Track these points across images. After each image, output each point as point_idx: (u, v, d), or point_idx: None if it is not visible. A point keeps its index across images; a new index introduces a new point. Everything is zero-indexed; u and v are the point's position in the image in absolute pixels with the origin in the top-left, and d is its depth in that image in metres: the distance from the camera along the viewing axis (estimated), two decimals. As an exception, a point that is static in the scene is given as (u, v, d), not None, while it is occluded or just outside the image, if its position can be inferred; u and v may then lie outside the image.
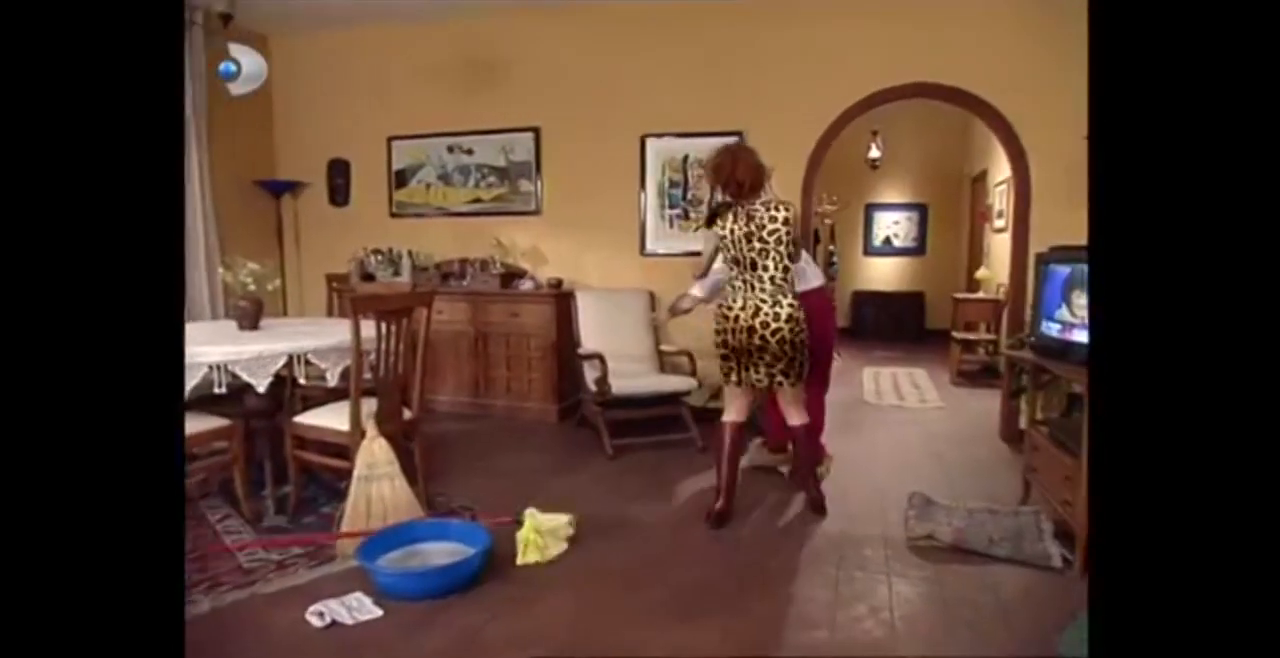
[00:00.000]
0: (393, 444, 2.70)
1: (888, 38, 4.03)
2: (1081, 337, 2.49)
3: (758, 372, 2.80)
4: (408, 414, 2.92)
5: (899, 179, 8.85)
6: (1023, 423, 4.01)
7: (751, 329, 2.75)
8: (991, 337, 5.88)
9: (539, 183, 4.79)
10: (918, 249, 9.07)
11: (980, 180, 7.19)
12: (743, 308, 2.76)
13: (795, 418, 2.89)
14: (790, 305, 2.73)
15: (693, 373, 4.06)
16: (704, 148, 4.34)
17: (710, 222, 2.78)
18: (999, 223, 6.16)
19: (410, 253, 5.00)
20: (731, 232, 2.77)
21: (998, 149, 6.39)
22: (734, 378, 2.83)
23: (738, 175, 2.74)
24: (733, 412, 2.87)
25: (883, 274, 9.18)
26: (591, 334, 4.19)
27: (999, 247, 6.21)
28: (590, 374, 4.07)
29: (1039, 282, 2.75)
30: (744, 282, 2.77)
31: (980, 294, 6.22)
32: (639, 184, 4.56)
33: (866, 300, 8.84)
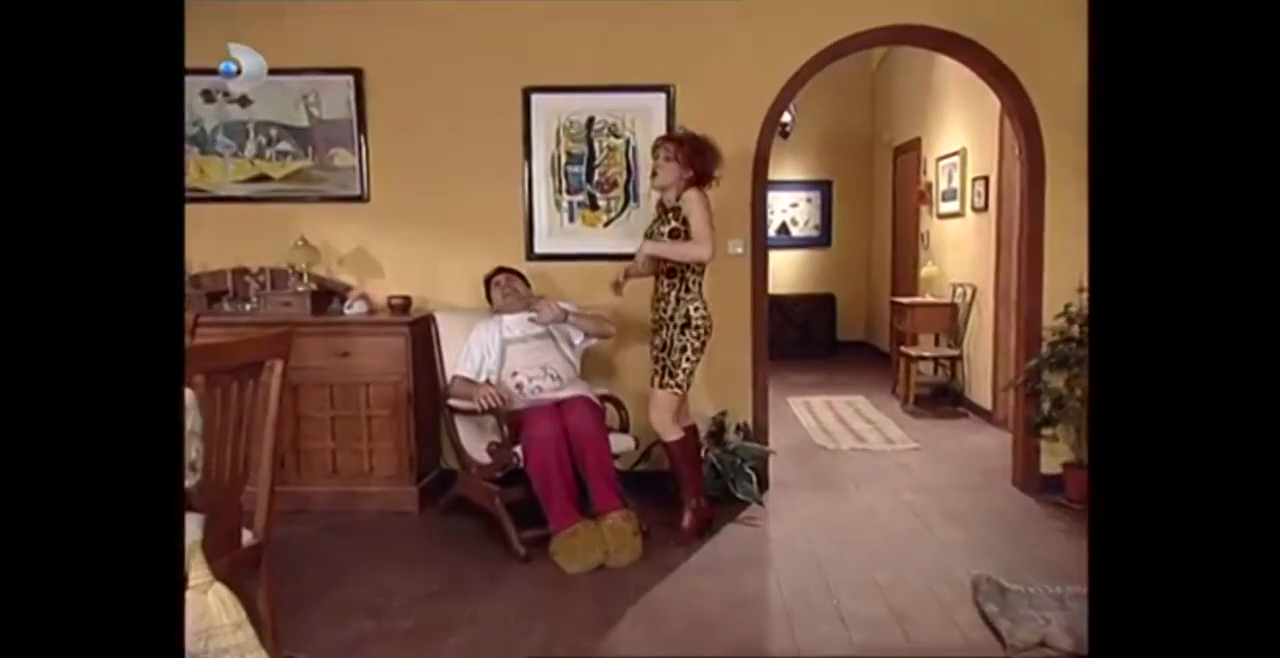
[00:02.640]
0: (234, 590, 2.18)
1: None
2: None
3: None
4: (249, 538, 2.40)
5: (797, 150, 9.16)
6: (1047, 465, 4.17)
7: None
8: (952, 352, 6.17)
9: (364, 153, 4.32)
10: (821, 239, 9.45)
11: (909, 151, 7.61)
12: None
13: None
14: None
15: (625, 427, 3.80)
16: (616, 109, 4.21)
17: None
18: (947, 206, 6.51)
19: (150, 261, 4.27)
20: None
21: (935, 114, 6.78)
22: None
23: None
24: (686, 418, 3.76)
25: (780, 272, 9.43)
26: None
27: (949, 236, 6.55)
28: (474, 436, 3.80)
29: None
30: (700, 284, 3.64)
31: (928, 297, 6.52)
32: (522, 158, 4.26)
33: (763, 307, 9.03)
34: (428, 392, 4.08)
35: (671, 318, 3.57)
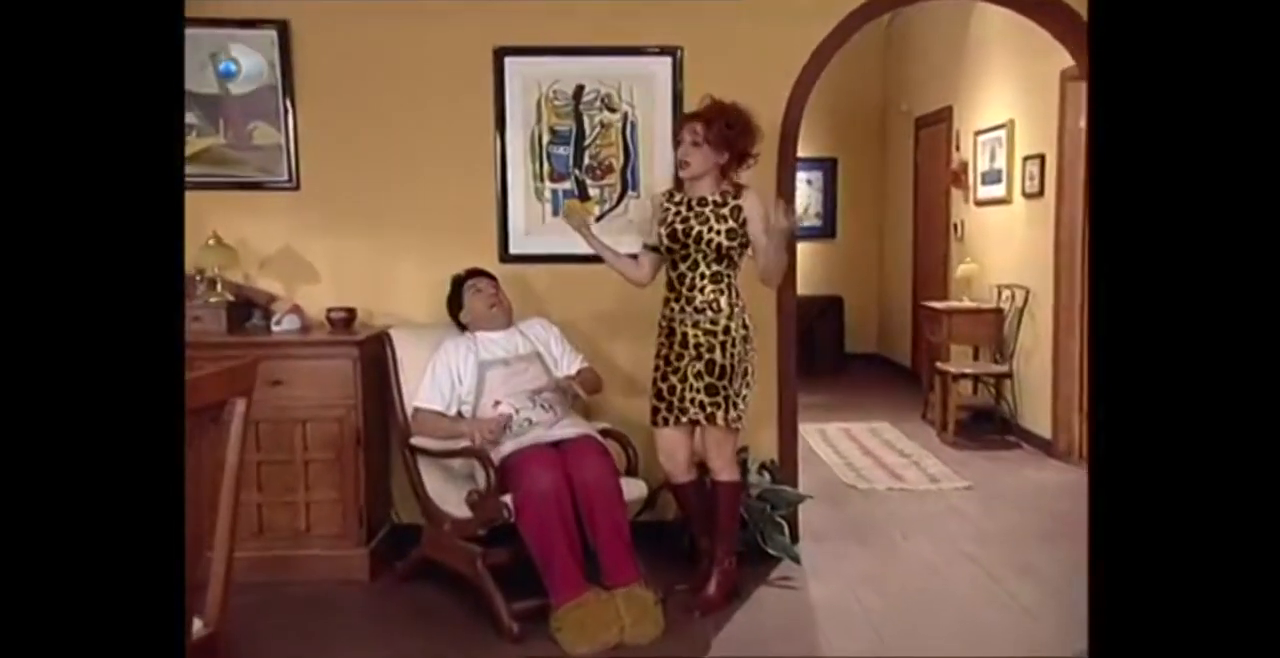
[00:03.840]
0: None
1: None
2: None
3: None
4: (200, 627, 2.35)
5: (794, 121, 9.25)
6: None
7: None
8: (999, 368, 6.26)
9: (292, 128, 4.26)
10: (824, 229, 9.55)
11: (935, 123, 7.75)
12: None
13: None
14: None
15: (633, 468, 3.79)
16: (611, 75, 4.26)
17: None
18: (990, 190, 6.63)
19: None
20: None
21: (973, 78, 6.90)
22: None
23: None
24: None
25: (776, 270, 9.54)
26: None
27: (992, 227, 6.66)
28: (444, 484, 3.78)
29: None
30: None
31: (965, 302, 6.61)
32: (494, 136, 4.24)
33: (757, 312, 9.12)
34: (379, 429, 4.04)
35: (727, 331, 3.54)
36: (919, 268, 8.31)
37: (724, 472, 3.66)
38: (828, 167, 9.45)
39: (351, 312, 4.13)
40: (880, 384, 8.38)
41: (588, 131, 4.24)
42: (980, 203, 6.82)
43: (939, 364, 6.43)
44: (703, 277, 3.55)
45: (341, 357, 3.94)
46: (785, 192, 4.28)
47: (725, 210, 3.53)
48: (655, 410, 3.65)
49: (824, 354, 9.09)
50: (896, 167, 9.02)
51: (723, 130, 3.52)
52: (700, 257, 3.53)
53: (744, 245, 3.57)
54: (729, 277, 3.58)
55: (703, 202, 3.57)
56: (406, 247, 4.28)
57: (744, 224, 3.53)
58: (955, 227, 7.33)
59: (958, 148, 7.22)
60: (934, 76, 7.74)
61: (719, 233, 3.50)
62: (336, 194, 4.27)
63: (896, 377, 8.59)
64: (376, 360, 3.98)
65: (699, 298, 3.54)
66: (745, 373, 3.59)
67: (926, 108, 7.96)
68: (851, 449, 6.11)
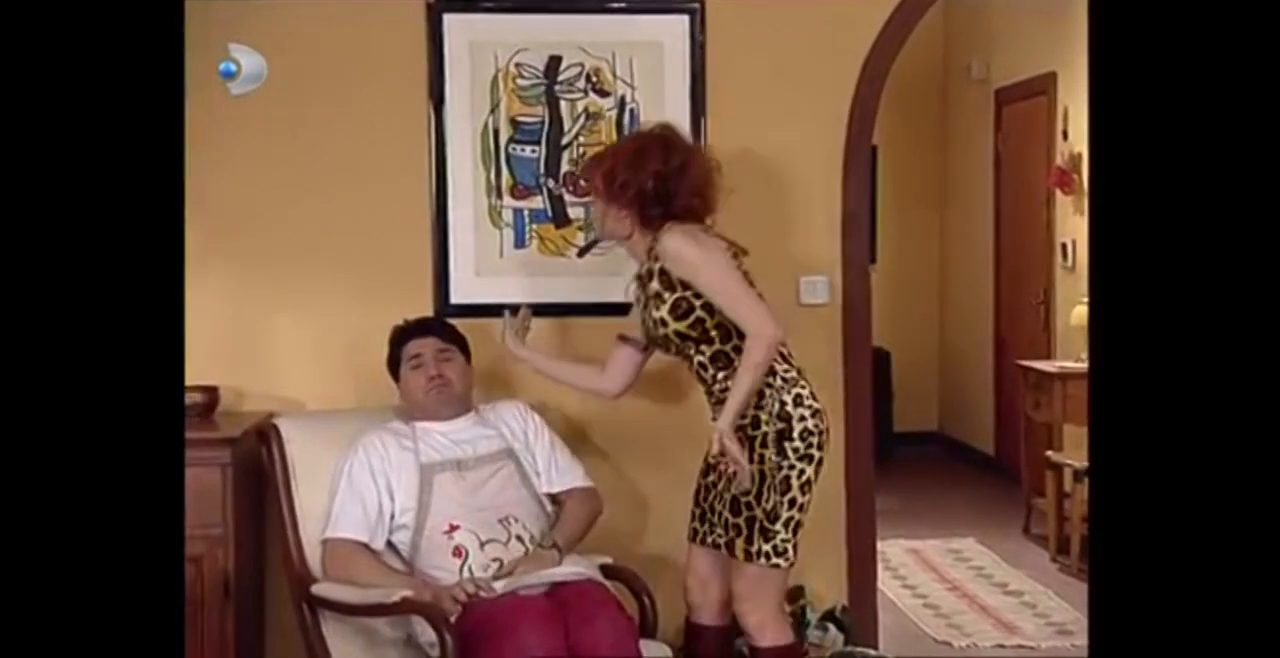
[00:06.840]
0: None
1: None
2: None
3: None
4: None
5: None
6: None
7: None
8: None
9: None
10: (859, 253, 9.65)
11: (1028, 97, 7.96)
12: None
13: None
14: None
15: (649, 625, 3.81)
16: (601, 43, 4.31)
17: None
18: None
19: None
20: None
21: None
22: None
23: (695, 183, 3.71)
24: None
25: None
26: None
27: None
28: (367, 655, 3.79)
29: None
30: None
31: (1085, 360, 6.69)
32: (428, 131, 4.31)
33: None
34: (255, 571, 4.07)
35: (757, 424, 3.54)
36: (1004, 309, 8.42)
37: (763, 631, 3.64)
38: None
39: (212, 392, 4.13)
40: (951, 480, 8.42)
41: (567, 124, 4.31)
42: (1102, 216, 6.94)
43: (1051, 454, 6.50)
44: (704, 367, 3.66)
45: (202, 462, 3.86)
46: (854, 217, 4.42)
47: (656, 284, 3.62)
48: (692, 517, 3.78)
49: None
50: (965, 159, 9.16)
51: (605, 178, 3.66)
52: (674, 350, 3.71)
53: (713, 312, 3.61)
54: (737, 354, 3.58)
55: (640, 277, 3.71)
56: (294, 295, 4.32)
57: (685, 287, 3.58)
58: (1064, 248, 7.44)
59: (1066, 135, 7.33)
60: (1026, 28, 7.85)
61: (663, 321, 3.61)
62: (187, 215, 4.25)
63: (973, 469, 8.65)
64: (254, 467, 3.99)
65: (717, 388, 3.63)
66: (786, 485, 3.54)
67: (1014, 74, 8.08)
68: (929, 582, 6.16)
